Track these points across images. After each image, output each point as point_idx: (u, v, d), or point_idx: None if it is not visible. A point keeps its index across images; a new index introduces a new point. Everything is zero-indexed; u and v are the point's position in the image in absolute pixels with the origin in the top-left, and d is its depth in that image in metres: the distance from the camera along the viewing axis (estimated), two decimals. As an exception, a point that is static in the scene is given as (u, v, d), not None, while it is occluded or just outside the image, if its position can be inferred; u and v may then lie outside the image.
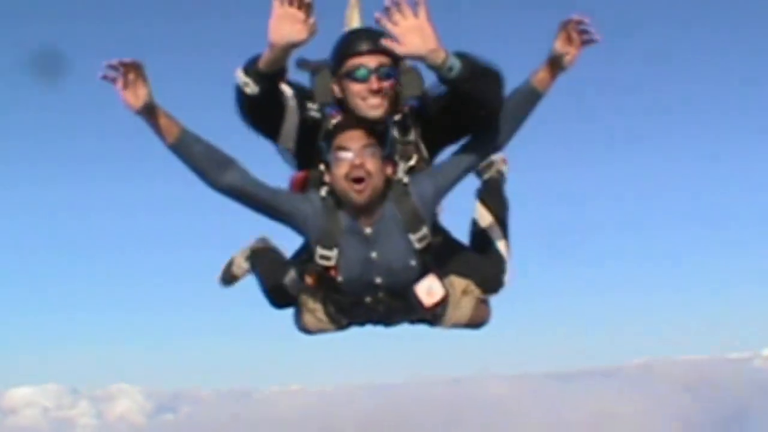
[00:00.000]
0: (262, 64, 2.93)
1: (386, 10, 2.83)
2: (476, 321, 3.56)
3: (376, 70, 3.08)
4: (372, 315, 3.39)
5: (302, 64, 3.51)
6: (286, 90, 3.12)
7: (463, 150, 3.20)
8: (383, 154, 3.08)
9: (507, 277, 3.61)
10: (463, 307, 3.45)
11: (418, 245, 3.18)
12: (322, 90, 3.27)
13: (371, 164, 3.03)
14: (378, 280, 3.22)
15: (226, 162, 3.04)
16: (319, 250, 3.17)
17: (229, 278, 3.89)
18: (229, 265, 3.87)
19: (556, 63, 3.05)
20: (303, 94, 3.22)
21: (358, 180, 3.03)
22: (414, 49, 2.83)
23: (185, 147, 2.99)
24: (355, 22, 3.93)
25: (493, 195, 3.84)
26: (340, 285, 3.24)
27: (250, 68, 2.95)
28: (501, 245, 3.68)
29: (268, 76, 2.95)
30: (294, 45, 2.88)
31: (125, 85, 2.89)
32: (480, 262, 3.58)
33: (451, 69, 2.86)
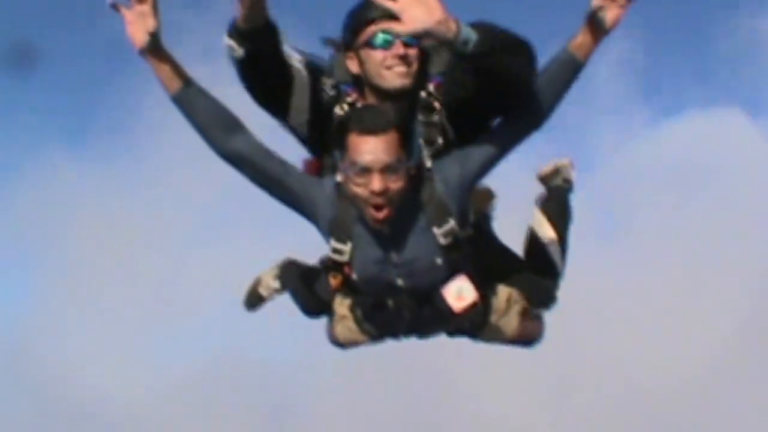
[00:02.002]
0: (239, 21, 2.63)
1: None
2: (525, 336, 3.20)
3: (399, 34, 2.69)
4: (400, 322, 3.01)
5: (327, 41, 3.17)
6: (294, 58, 2.83)
7: (495, 131, 2.80)
8: (408, 161, 2.65)
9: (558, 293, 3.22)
10: (507, 318, 3.08)
11: (443, 241, 2.77)
12: (341, 66, 2.93)
13: (395, 185, 2.62)
14: (399, 282, 2.85)
15: (235, 124, 2.72)
16: (332, 242, 2.82)
17: (255, 300, 3.59)
18: (256, 285, 3.58)
19: (597, 24, 2.63)
20: (318, 69, 2.90)
21: (378, 207, 2.65)
22: (418, 24, 2.44)
23: (190, 100, 2.67)
24: None
25: (556, 205, 3.45)
26: (356, 284, 2.90)
27: (232, 29, 2.66)
28: (557, 258, 3.29)
29: (250, 33, 2.63)
30: None
31: (134, 17, 2.58)
32: (530, 271, 3.19)
33: (466, 42, 2.47)
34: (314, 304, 3.24)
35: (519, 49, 2.61)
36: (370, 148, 2.58)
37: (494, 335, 3.13)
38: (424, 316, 2.95)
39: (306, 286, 3.24)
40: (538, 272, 3.21)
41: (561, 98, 2.75)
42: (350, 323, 3.09)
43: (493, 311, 3.06)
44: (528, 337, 3.23)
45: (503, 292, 3.08)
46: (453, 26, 2.45)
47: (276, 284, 3.51)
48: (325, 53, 3.03)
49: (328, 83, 2.88)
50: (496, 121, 2.83)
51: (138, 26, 2.57)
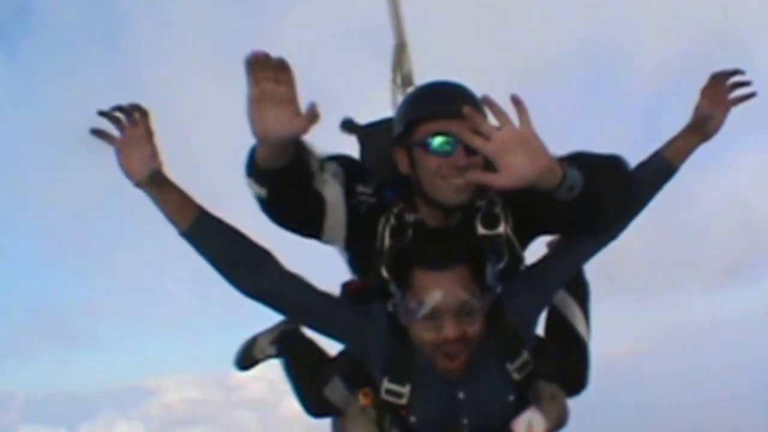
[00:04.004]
0: (260, 161, 2.14)
1: (468, 121, 2.02)
2: (557, 426, 2.83)
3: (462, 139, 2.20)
4: None
5: (349, 127, 2.78)
6: (327, 175, 2.33)
7: (570, 248, 2.45)
8: (483, 296, 2.22)
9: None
10: (550, 415, 2.72)
11: (517, 376, 2.40)
12: (377, 167, 2.50)
13: (472, 329, 2.20)
14: (465, 422, 2.44)
15: (261, 259, 2.29)
16: (386, 384, 2.38)
17: (248, 362, 3.23)
18: (250, 346, 3.20)
19: (700, 129, 2.47)
20: (351, 174, 2.42)
21: (452, 354, 2.24)
22: (521, 175, 1.99)
23: (205, 235, 2.24)
24: (406, 67, 3.31)
25: (574, 277, 3.05)
26: (411, 425, 2.47)
27: (250, 169, 2.18)
28: (586, 339, 2.96)
29: (275, 174, 2.16)
30: (288, 139, 2.07)
31: (126, 144, 2.17)
32: (564, 358, 2.85)
33: (572, 188, 2.06)
34: (320, 407, 2.81)
35: (621, 183, 2.24)
36: (439, 287, 2.16)
37: None
38: None
39: (315, 385, 2.79)
40: (569, 355, 2.89)
41: (648, 204, 2.48)
42: (371, 427, 2.60)
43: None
44: (561, 424, 2.87)
45: (545, 390, 2.72)
46: (559, 172, 2.03)
47: (272, 350, 3.16)
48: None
49: (365, 192, 2.41)
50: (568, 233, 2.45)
51: (132, 155, 2.16)
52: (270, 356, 3.17)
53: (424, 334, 2.21)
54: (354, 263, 2.55)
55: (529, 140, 1.99)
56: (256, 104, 2.00)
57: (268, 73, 1.97)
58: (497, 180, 2.03)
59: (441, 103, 2.28)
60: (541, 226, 2.45)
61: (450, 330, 2.17)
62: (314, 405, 2.86)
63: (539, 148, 2.00)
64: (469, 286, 2.18)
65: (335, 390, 2.70)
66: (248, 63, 1.98)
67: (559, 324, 2.90)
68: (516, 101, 2.00)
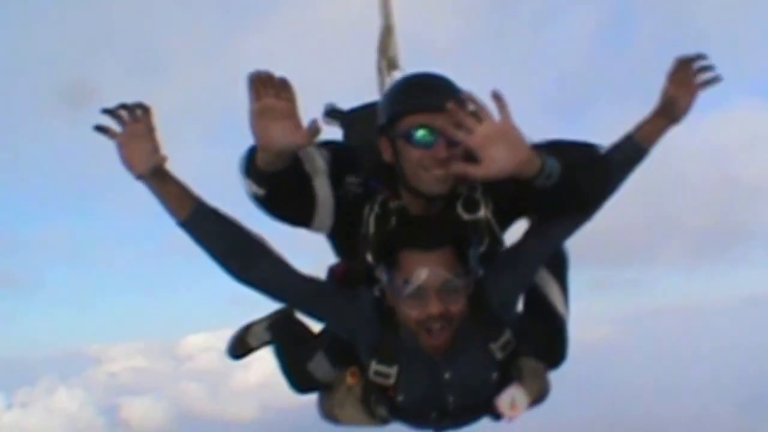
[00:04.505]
0: (260, 163, 2.26)
1: (451, 115, 2.14)
2: (539, 399, 2.98)
3: (444, 132, 2.31)
4: (432, 426, 2.74)
5: (333, 115, 2.89)
6: (317, 165, 2.41)
7: (548, 227, 2.53)
8: (467, 276, 2.32)
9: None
10: (531, 390, 2.85)
11: (500, 355, 2.51)
12: (361, 154, 2.57)
13: (455, 307, 2.31)
14: (450, 399, 2.56)
15: (254, 248, 2.40)
16: (374, 366, 2.50)
17: (241, 349, 3.27)
18: (243, 333, 3.25)
19: (668, 112, 2.56)
20: (341, 163, 2.50)
21: (435, 331, 2.34)
22: (501, 167, 2.12)
23: (201, 226, 2.36)
24: (392, 50, 3.34)
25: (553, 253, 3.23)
26: (398, 404, 2.59)
27: (248, 170, 2.29)
28: (564, 313, 3.03)
29: (273, 176, 2.27)
30: (290, 150, 2.21)
31: (127, 139, 2.27)
32: (543, 334, 2.95)
33: (549, 176, 2.18)
34: (305, 382, 2.93)
35: (596, 168, 2.35)
36: (425, 267, 2.26)
37: None
38: (463, 422, 2.73)
39: (300, 362, 2.91)
40: (548, 330, 2.97)
41: (620, 186, 2.57)
42: (357, 411, 2.75)
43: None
44: (542, 397, 3.02)
45: (527, 367, 2.84)
46: (538, 163, 2.15)
47: (267, 336, 3.20)
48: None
49: (353, 182, 2.51)
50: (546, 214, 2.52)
51: (134, 149, 2.26)
52: (265, 342, 3.21)
53: (409, 311, 2.31)
54: (339, 249, 2.64)
55: (510, 134, 2.11)
56: (259, 117, 2.14)
57: (270, 90, 2.12)
58: (479, 171, 2.14)
59: (424, 96, 2.36)
60: (521, 210, 2.54)
61: (434, 306, 2.28)
62: (299, 380, 2.95)
63: (519, 141, 2.11)
64: (453, 266, 2.28)
65: (319, 365, 2.82)
66: (251, 80, 2.12)
67: (537, 298, 2.99)
68: (497, 97, 2.11)
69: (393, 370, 2.48)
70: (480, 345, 2.48)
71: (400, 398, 2.54)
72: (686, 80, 2.58)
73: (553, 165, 2.18)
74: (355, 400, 2.70)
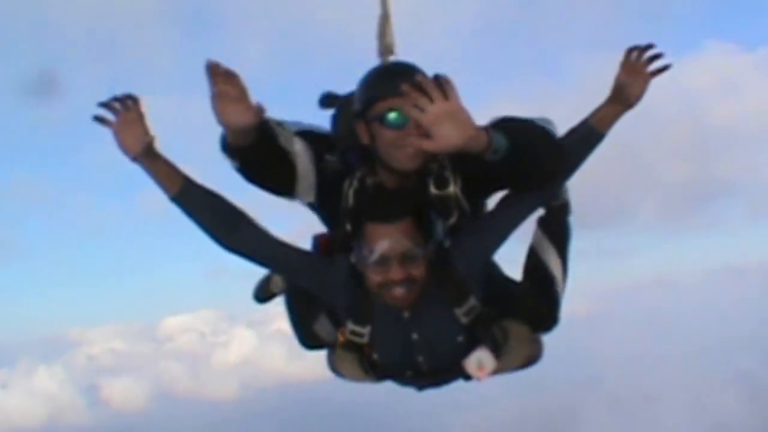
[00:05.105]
0: (230, 140, 2.59)
1: (406, 96, 2.38)
2: (529, 362, 3.22)
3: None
4: (413, 383, 3.06)
5: (327, 100, 3.09)
6: (296, 145, 2.72)
7: (512, 202, 2.76)
8: (427, 245, 2.59)
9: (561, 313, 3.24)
10: (517, 352, 3.11)
11: (465, 320, 2.75)
12: (344, 135, 2.83)
13: (416, 272, 2.58)
14: (420, 359, 2.83)
15: (237, 217, 2.69)
16: (350, 325, 2.79)
17: (266, 293, 3.57)
18: (266, 281, 3.55)
19: (620, 98, 2.75)
20: (320, 143, 2.80)
21: (400, 292, 2.60)
22: (450, 142, 2.36)
23: (190, 199, 2.66)
24: (388, 37, 3.43)
25: (555, 223, 3.38)
26: (376, 362, 2.88)
27: (222, 146, 2.63)
28: (558, 278, 3.27)
29: (242, 150, 2.59)
30: (244, 127, 2.51)
31: (121, 127, 2.56)
32: (534, 299, 3.18)
33: (497, 151, 2.42)
34: (312, 340, 3.21)
35: (546, 143, 2.56)
36: (387, 238, 2.53)
37: (503, 369, 3.12)
38: (441, 380, 3.00)
39: (307, 320, 3.18)
40: (540, 296, 3.19)
41: (578, 168, 2.77)
42: (355, 368, 3.01)
43: (505, 352, 3.03)
44: (533, 360, 3.25)
45: (513, 328, 3.06)
46: (485, 138, 2.38)
47: (284, 283, 3.45)
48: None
49: (332, 159, 2.79)
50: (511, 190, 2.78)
51: (127, 135, 2.56)
52: (284, 289, 3.45)
53: (374, 277, 2.58)
54: (325, 220, 2.93)
55: (457, 113, 2.34)
56: (217, 101, 2.45)
57: (220, 78, 2.42)
58: (430, 145, 2.38)
59: (393, 82, 2.58)
60: (488, 186, 2.78)
61: (396, 273, 2.55)
62: (307, 338, 3.24)
63: (465, 119, 2.34)
64: (413, 236, 2.54)
65: (323, 326, 3.11)
66: (207, 69, 2.42)
67: (535, 265, 3.22)
68: (444, 80, 2.35)
69: (366, 330, 2.76)
70: (444, 309, 2.72)
71: (375, 356, 2.83)
72: (637, 68, 2.77)
73: (500, 140, 2.41)
74: (353, 358, 2.96)
